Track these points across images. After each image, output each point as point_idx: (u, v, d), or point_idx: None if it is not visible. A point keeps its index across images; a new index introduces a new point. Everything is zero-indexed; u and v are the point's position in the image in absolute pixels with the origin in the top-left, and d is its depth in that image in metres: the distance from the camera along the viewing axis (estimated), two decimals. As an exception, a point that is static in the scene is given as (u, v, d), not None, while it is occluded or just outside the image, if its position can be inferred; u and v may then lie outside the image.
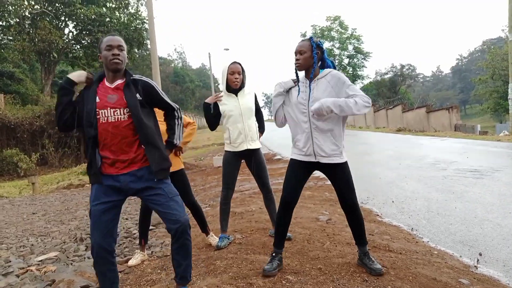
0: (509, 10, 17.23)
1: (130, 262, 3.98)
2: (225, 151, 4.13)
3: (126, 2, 28.41)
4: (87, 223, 6.45)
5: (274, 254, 3.28)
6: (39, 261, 4.73)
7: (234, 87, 3.98)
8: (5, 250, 5.27)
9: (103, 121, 2.63)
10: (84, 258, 4.70)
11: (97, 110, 2.63)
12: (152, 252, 4.51)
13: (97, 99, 2.64)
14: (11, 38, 26.54)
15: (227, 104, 3.99)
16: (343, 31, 50.98)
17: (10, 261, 4.65)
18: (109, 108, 2.65)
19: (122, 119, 2.66)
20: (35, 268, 4.29)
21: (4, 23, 25.84)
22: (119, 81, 2.74)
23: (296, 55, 3.12)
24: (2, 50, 27.03)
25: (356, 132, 27.44)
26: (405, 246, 3.89)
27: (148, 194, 2.73)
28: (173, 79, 70.09)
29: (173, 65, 79.58)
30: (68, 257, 4.80)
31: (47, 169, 17.57)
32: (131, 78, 2.77)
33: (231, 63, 3.94)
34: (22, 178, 15.48)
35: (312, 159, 3.16)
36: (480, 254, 3.64)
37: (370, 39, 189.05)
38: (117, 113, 2.65)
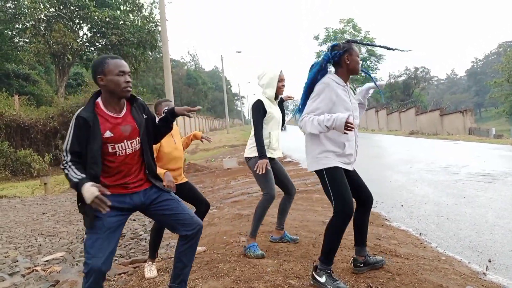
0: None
1: (148, 275, 3.66)
2: (253, 157, 3.83)
3: (140, 5, 28.63)
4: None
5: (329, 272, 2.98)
6: (46, 261, 4.77)
7: (280, 95, 3.96)
8: (13, 250, 5.31)
9: (121, 154, 2.48)
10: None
11: (113, 144, 2.44)
12: (159, 254, 4.51)
13: (109, 134, 2.43)
14: (26, 40, 26.97)
15: (272, 108, 3.88)
16: (356, 33, 50.62)
17: (17, 261, 4.69)
18: (125, 141, 2.49)
19: (137, 149, 2.56)
20: (41, 268, 4.32)
21: (20, 26, 26.25)
22: (124, 109, 2.55)
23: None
24: (18, 53, 27.47)
25: (369, 135, 27.22)
26: (412, 251, 3.81)
27: (159, 202, 2.62)
28: (186, 81, 70.45)
29: (186, 67, 79.89)
30: (74, 258, 4.82)
31: (60, 170, 17.73)
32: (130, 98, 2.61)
33: (281, 71, 3.87)
34: (35, 178, 15.63)
35: (350, 168, 3.14)
36: (490, 261, 3.54)
37: (384, 42, 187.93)
38: (133, 144, 2.53)
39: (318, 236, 4.32)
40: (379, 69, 52.65)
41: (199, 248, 4.04)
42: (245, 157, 3.95)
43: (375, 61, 51.38)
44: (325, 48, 50.99)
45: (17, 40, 27.69)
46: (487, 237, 4.16)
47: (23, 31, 25.88)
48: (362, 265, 3.23)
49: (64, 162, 2.40)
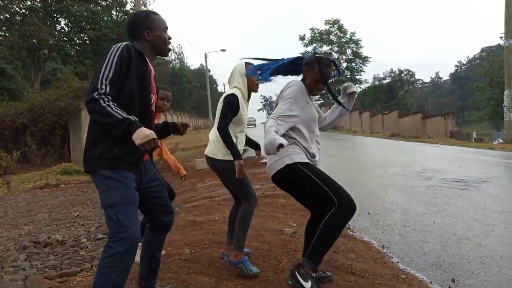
0: (505, 15, 16.80)
1: None
2: (230, 161, 3.23)
3: (120, 1, 27.91)
4: (41, 228, 5.97)
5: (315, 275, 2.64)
6: (-32, 272, 4.26)
7: (255, 92, 3.46)
8: None
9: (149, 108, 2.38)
10: (19, 269, 4.22)
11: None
12: (93, 266, 4.05)
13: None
14: (1, 33, 26.09)
15: (244, 109, 3.34)
16: (342, 35, 50.74)
17: None
18: (152, 96, 2.39)
19: (153, 109, 2.44)
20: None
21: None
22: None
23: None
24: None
25: (349, 136, 27.06)
26: (370, 268, 3.43)
27: (152, 186, 2.43)
28: (170, 79, 69.60)
29: (171, 65, 78.93)
30: (3, 267, 4.32)
31: (30, 167, 17.00)
32: None
33: (248, 63, 3.34)
34: (2, 176, 14.96)
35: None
36: (453, 281, 3.17)
37: (369, 44, 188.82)
38: (153, 101, 2.42)
39: (271, 248, 3.92)
40: (364, 71, 52.85)
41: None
42: (210, 158, 3.36)
43: (360, 63, 51.53)
44: (310, 49, 50.95)
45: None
46: (454, 251, 3.79)
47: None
48: None
49: (102, 92, 2.01)
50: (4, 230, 6.11)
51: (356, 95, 3.06)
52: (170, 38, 2.39)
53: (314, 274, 2.57)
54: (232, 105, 3.24)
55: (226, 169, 3.29)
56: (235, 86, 3.37)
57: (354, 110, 39.49)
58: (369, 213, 5.37)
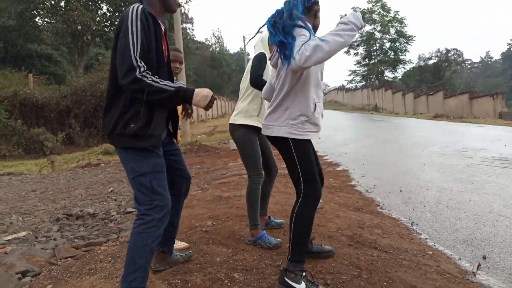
0: None
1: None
2: (243, 125, 3.23)
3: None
4: (77, 202, 6.19)
5: (304, 274, 2.42)
6: (7, 240, 4.47)
7: None
8: (-17, 227, 5.07)
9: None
10: (51, 239, 4.39)
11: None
12: (120, 237, 4.14)
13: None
14: (47, 20, 27.09)
15: (269, 71, 3.18)
16: (385, 13, 48.78)
17: (-21, 239, 4.42)
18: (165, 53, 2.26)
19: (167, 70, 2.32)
20: (-5, 248, 4.01)
21: (41, 5, 26.32)
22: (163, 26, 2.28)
23: None
24: (39, 32, 27.63)
25: (390, 118, 26.21)
26: (395, 243, 3.27)
27: (171, 149, 2.47)
28: (210, 63, 69.98)
29: (211, 49, 79.21)
30: (36, 237, 4.52)
31: (74, 148, 17.76)
32: None
33: None
34: (47, 156, 15.70)
35: (318, 136, 2.53)
36: (484, 258, 2.96)
37: (414, 22, 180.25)
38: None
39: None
40: (408, 51, 50.69)
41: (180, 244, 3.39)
42: (230, 124, 3.32)
43: (404, 43, 49.51)
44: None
45: (37, 20, 27.85)
46: (488, 229, 3.56)
47: (43, 10, 25.96)
48: None
49: (141, 70, 1.96)
50: (42, 204, 6.39)
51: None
52: None
53: (304, 273, 2.39)
54: (261, 59, 3.17)
55: (233, 135, 3.32)
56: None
57: (397, 91, 38.27)
58: (401, 191, 5.15)
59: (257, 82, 3.08)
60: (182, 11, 27.12)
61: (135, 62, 1.94)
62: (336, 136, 12.92)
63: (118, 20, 2.29)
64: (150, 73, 1.97)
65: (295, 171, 2.41)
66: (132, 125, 2.05)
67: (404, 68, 50.27)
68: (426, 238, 3.48)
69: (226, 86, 73.84)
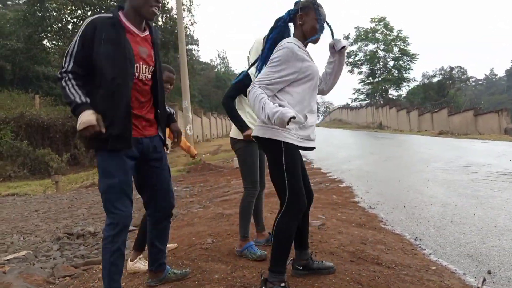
0: None
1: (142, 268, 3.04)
2: (234, 138, 3.29)
3: (166, 8, 28.59)
4: (78, 221, 6.16)
5: (284, 284, 2.37)
6: (6, 260, 4.44)
7: None
8: (-17, 247, 5.04)
9: (135, 77, 2.23)
10: (51, 258, 4.36)
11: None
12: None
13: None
14: (54, 42, 27.52)
15: None
16: (388, 32, 49.14)
17: (-22, 259, 4.39)
18: (141, 63, 2.26)
19: (148, 79, 2.33)
20: (-7, 268, 3.98)
21: (48, 28, 26.77)
22: (146, 32, 2.34)
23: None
24: (47, 55, 28.04)
25: (395, 135, 26.13)
26: (398, 259, 3.21)
27: (156, 166, 2.42)
28: (215, 83, 70.58)
29: (216, 70, 79.98)
30: (36, 257, 4.49)
31: (78, 168, 17.79)
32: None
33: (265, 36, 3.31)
34: (51, 176, 15.73)
35: (312, 144, 2.52)
36: (489, 272, 2.90)
37: (418, 40, 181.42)
38: (146, 71, 2.30)
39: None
40: (412, 69, 50.84)
41: (171, 245, 3.63)
42: (231, 138, 3.33)
43: (408, 61, 49.72)
44: (355, 48, 49.83)
45: (44, 42, 28.28)
46: (493, 243, 3.49)
47: (50, 33, 26.40)
48: (301, 268, 2.71)
49: (64, 70, 2.09)
50: (44, 223, 6.36)
51: (346, 50, 2.64)
52: (158, 2, 2.23)
53: (283, 284, 2.35)
54: (238, 81, 3.25)
55: (232, 144, 3.34)
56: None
57: (401, 109, 38.28)
58: (404, 206, 5.09)
59: (226, 103, 3.18)
60: (188, 33, 27.38)
61: (64, 62, 2.09)
62: (339, 153, 12.87)
63: None
64: (71, 76, 2.08)
65: (282, 178, 2.37)
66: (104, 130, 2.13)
67: (408, 86, 50.31)
68: (429, 253, 3.42)
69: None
